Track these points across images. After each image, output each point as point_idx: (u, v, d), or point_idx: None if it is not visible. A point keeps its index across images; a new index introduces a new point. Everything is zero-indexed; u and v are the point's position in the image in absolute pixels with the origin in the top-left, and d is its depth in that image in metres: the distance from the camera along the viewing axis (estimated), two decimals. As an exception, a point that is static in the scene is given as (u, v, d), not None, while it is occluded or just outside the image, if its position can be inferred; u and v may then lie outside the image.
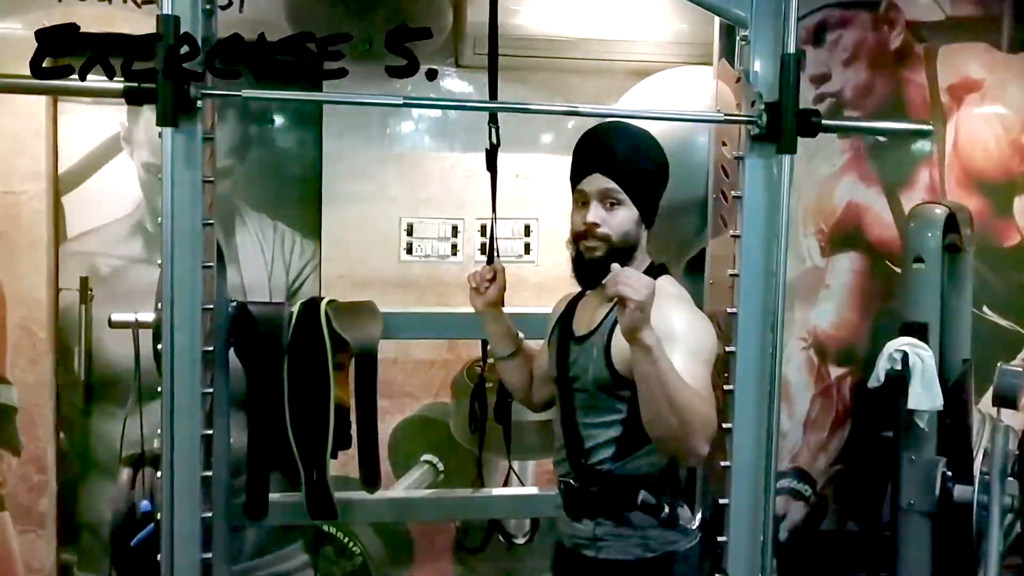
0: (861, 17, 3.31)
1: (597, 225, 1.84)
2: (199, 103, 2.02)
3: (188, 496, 2.12)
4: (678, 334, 1.74)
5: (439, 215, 3.15)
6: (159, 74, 1.93)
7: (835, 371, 3.40)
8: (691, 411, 1.62)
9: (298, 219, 3.16)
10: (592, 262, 1.85)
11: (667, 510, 1.88)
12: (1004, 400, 2.62)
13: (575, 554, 1.93)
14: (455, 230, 3.15)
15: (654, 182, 1.91)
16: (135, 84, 1.98)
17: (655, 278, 1.76)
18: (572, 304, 2.04)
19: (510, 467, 2.92)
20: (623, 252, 1.85)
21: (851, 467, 3.42)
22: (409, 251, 3.15)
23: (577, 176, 1.90)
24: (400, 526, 3.26)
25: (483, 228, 3.08)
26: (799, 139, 2.28)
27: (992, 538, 2.53)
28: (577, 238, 1.88)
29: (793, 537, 3.40)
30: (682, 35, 2.95)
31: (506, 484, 2.96)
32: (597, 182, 1.85)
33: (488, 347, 2.19)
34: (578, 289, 2.01)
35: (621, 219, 1.85)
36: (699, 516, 1.94)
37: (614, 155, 1.87)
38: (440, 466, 3.21)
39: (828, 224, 3.34)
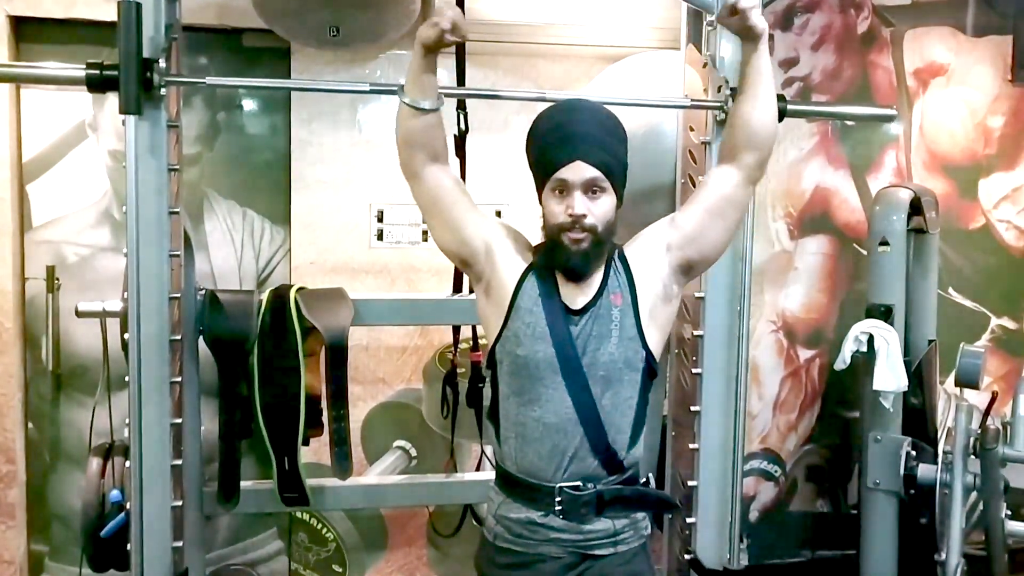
0: (829, 1, 3.33)
1: (584, 216, 1.73)
2: (162, 90, 2.00)
3: (157, 485, 2.12)
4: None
5: (409, 201, 3.10)
6: (121, 61, 1.90)
7: (804, 353, 3.43)
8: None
9: (267, 206, 3.15)
10: (579, 254, 1.75)
11: (652, 481, 1.91)
12: (966, 380, 2.67)
13: (581, 557, 1.80)
14: (426, 216, 3.15)
15: (623, 163, 1.81)
16: (96, 71, 1.96)
17: (614, 256, 1.84)
18: (542, 274, 1.82)
19: (482, 451, 2.94)
20: (605, 240, 1.77)
21: (819, 447, 3.46)
22: (380, 237, 3.15)
23: (553, 162, 1.76)
24: (373, 512, 3.27)
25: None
26: (768, 123, 2.30)
27: (954, 516, 2.58)
28: (559, 229, 1.75)
29: (763, 517, 3.44)
30: (650, 20, 2.95)
31: (479, 468, 2.98)
32: (581, 171, 1.73)
33: (408, 93, 1.87)
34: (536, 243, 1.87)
35: (606, 208, 1.75)
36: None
37: (595, 141, 1.76)
38: (413, 452, 3.22)
39: (796, 208, 3.37)
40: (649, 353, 1.81)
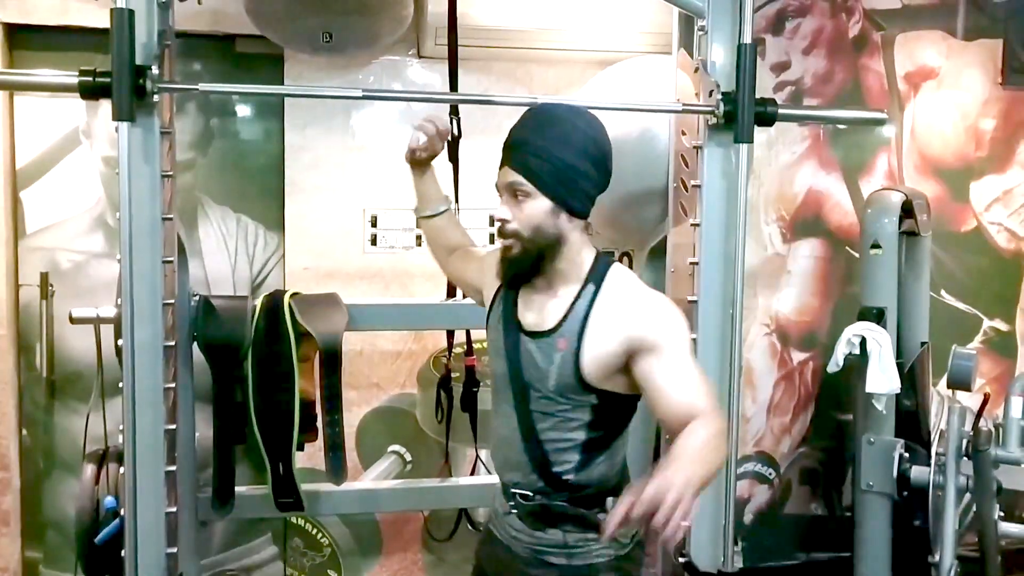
0: (820, 5, 3.33)
1: (506, 221, 1.72)
2: (155, 97, 2.00)
3: (151, 491, 2.12)
4: (659, 341, 1.67)
5: (403, 206, 3.13)
6: (113, 68, 1.91)
7: (797, 356, 3.43)
8: (720, 455, 1.60)
9: (261, 212, 3.15)
10: (508, 261, 1.75)
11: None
12: (958, 382, 2.67)
13: (538, 561, 1.83)
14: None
15: (568, 168, 1.71)
16: (89, 78, 1.96)
17: (605, 270, 1.76)
18: (507, 291, 1.85)
19: (477, 456, 2.94)
20: (543, 247, 1.72)
21: (814, 450, 3.47)
22: (373, 242, 3.15)
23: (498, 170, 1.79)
24: (368, 517, 3.26)
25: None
26: (759, 127, 2.32)
27: (948, 518, 2.57)
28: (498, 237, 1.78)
29: (757, 520, 3.44)
30: (642, 25, 2.96)
31: (473, 473, 2.99)
32: (504, 175, 1.73)
33: (415, 207, 2.09)
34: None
35: (530, 212, 1.70)
36: None
37: (519, 145, 1.73)
38: (407, 456, 3.22)
39: (789, 211, 3.37)
40: (600, 392, 1.74)
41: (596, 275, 1.76)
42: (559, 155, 1.70)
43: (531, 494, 1.80)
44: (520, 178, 1.71)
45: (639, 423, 1.91)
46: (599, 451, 1.78)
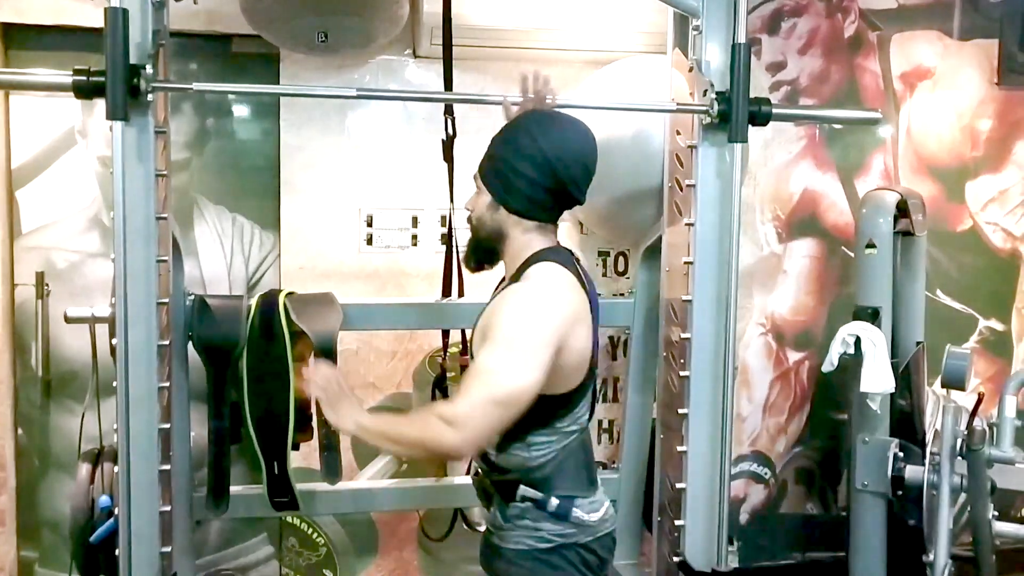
0: (816, 5, 3.34)
1: (468, 210, 1.92)
2: (149, 96, 2.00)
3: (145, 490, 2.12)
4: (489, 333, 1.73)
5: (398, 206, 3.15)
6: (107, 67, 1.91)
7: (793, 355, 3.45)
8: (418, 440, 1.67)
9: (257, 211, 3.15)
10: (465, 246, 1.97)
11: (557, 503, 1.83)
12: (952, 382, 2.68)
13: (487, 539, 1.95)
14: (415, 221, 3.16)
15: (506, 167, 1.82)
16: (83, 77, 1.96)
17: (528, 267, 1.81)
18: (471, 272, 2.03)
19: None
20: (484, 238, 1.88)
21: (809, 450, 3.48)
22: (369, 242, 3.15)
23: None
24: (364, 516, 3.27)
25: (443, 218, 3.08)
26: (753, 126, 2.32)
27: (942, 517, 2.58)
28: None
29: (753, 519, 3.45)
30: (638, 24, 2.96)
31: (468, 472, 2.98)
32: None
33: None
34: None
35: (478, 204, 1.88)
36: (604, 509, 1.91)
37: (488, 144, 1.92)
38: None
39: (785, 211, 3.38)
40: None
41: (520, 272, 1.83)
42: (500, 154, 1.85)
43: (479, 470, 1.96)
44: (476, 172, 1.90)
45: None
46: (512, 440, 1.82)
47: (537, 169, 1.80)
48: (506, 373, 1.65)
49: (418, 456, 1.69)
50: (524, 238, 1.84)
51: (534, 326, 1.69)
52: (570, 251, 1.91)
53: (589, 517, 1.86)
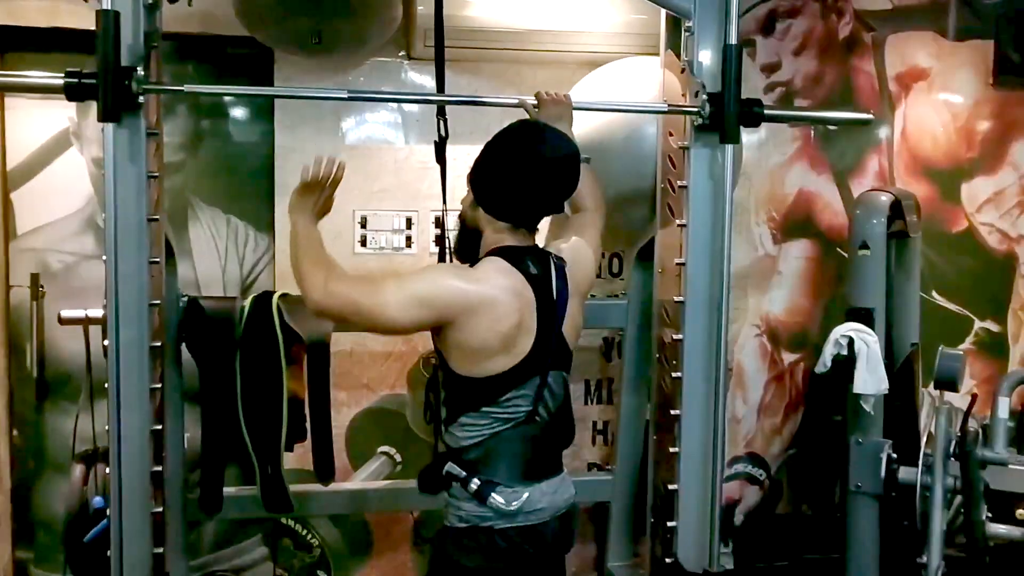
0: (810, 6, 3.34)
1: (461, 207, 2.07)
2: (141, 98, 2.01)
3: (137, 491, 2.13)
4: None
5: (393, 207, 3.15)
6: (99, 69, 1.91)
7: (788, 357, 3.44)
8: (305, 272, 1.89)
9: (251, 212, 3.15)
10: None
11: (477, 485, 1.91)
12: (945, 383, 2.68)
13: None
14: (409, 222, 3.16)
15: (481, 170, 1.98)
16: (75, 80, 1.97)
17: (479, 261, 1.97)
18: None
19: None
20: (466, 233, 2.04)
21: (804, 451, 3.47)
22: (363, 243, 3.15)
23: None
24: (358, 517, 3.27)
25: (437, 220, 3.08)
26: (746, 127, 2.32)
27: (935, 518, 2.58)
28: None
29: (748, 521, 3.45)
30: (631, 26, 2.96)
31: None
32: None
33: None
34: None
35: (465, 201, 2.05)
36: (525, 500, 1.93)
37: None
38: (397, 457, 3.22)
39: (780, 212, 3.38)
40: (440, 356, 1.96)
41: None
42: (479, 158, 1.99)
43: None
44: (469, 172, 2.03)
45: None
46: (451, 421, 1.96)
47: (509, 176, 1.93)
48: (381, 296, 1.85)
49: (295, 276, 1.92)
50: (495, 236, 1.98)
51: (422, 284, 1.88)
52: (542, 254, 2.00)
53: (506, 504, 1.92)
